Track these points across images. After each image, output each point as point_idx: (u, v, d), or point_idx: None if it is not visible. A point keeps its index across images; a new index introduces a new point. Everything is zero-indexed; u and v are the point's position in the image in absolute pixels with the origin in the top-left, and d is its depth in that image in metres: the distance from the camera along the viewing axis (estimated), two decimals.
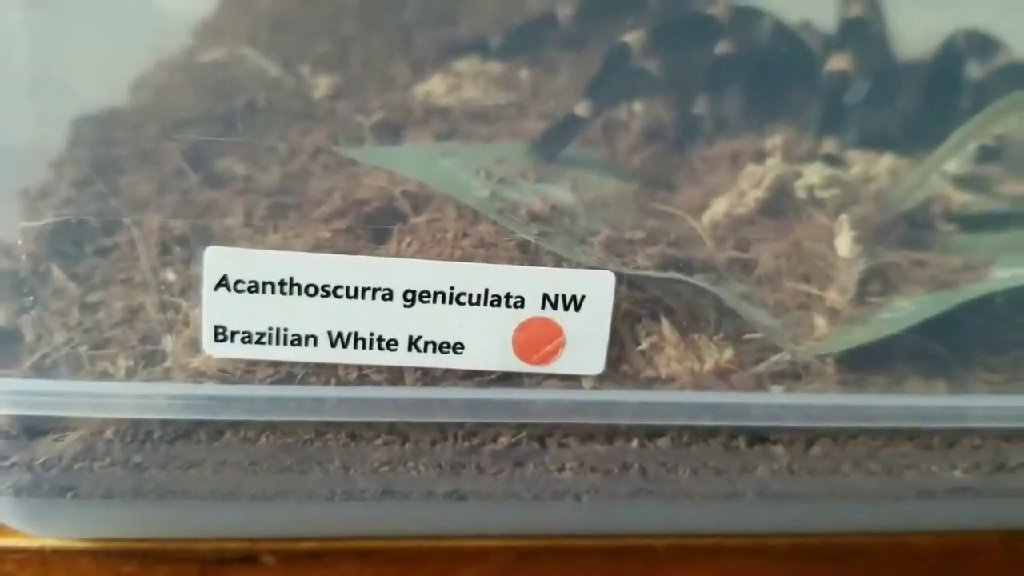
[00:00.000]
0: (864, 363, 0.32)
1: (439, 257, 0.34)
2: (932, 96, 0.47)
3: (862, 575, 0.34)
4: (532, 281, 0.29)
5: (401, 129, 0.47)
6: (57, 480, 0.30)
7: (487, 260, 0.34)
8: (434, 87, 0.50)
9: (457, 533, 0.32)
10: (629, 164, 0.45)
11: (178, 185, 0.43)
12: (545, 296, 0.29)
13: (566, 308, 0.29)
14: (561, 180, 0.41)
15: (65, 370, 0.31)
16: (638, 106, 0.48)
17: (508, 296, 0.29)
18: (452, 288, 0.29)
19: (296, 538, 0.32)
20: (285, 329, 0.29)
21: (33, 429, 0.30)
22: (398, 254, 0.36)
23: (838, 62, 0.42)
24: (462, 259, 0.34)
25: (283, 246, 0.39)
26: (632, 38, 0.44)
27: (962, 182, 0.43)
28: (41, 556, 0.32)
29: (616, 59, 0.43)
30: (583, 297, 0.29)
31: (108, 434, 0.30)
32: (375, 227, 0.38)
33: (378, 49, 0.54)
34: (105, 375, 0.31)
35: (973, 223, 0.41)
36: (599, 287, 0.29)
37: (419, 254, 0.35)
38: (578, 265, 0.31)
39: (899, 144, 0.44)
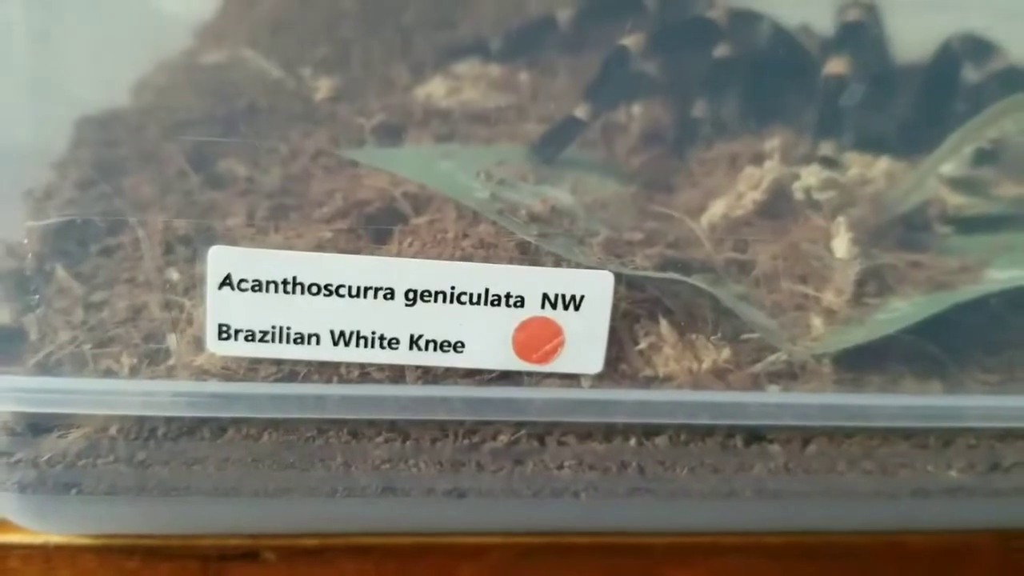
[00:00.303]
0: (860, 363, 0.32)
1: (440, 257, 0.35)
2: (929, 99, 0.47)
3: (857, 574, 0.34)
4: (532, 281, 0.30)
5: (402, 131, 0.47)
6: (61, 476, 0.30)
7: (487, 260, 0.34)
8: (434, 89, 0.50)
9: (457, 530, 0.33)
10: (628, 166, 0.45)
11: (180, 186, 0.43)
12: (545, 296, 0.30)
13: (565, 308, 0.30)
14: (561, 182, 0.41)
15: (69, 368, 0.32)
16: (637, 109, 0.48)
17: (508, 296, 0.29)
18: (453, 288, 0.29)
19: (297, 535, 0.32)
20: (288, 327, 0.29)
21: (38, 426, 0.30)
22: (399, 254, 0.36)
23: (835, 66, 0.43)
24: (462, 259, 0.34)
25: (285, 246, 0.39)
26: (631, 42, 0.44)
27: (958, 185, 0.43)
28: (45, 552, 0.32)
29: (615, 62, 0.44)
30: (582, 297, 0.30)
31: (112, 431, 0.30)
32: (376, 228, 0.38)
33: (378, 52, 0.54)
34: (109, 373, 0.32)
35: (969, 225, 0.41)
36: (598, 287, 0.30)
37: (420, 254, 0.36)
38: (577, 265, 0.32)
39: (896, 147, 0.44)
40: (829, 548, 0.34)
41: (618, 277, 0.31)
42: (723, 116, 0.46)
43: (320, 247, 0.38)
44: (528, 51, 0.53)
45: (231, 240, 0.40)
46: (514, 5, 0.58)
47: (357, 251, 0.38)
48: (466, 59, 0.53)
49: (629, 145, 0.46)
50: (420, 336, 0.29)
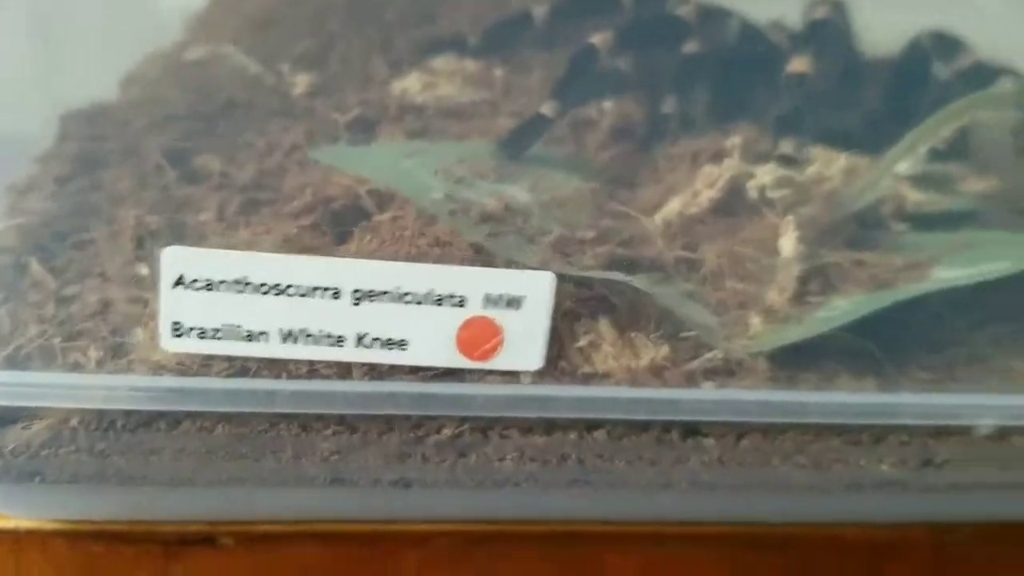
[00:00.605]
0: (796, 360, 0.33)
1: (396, 254, 0.36)
2: (897, 96, 0.48)
3: (796, 563, 0.35)
4: (474, 281, 0.31)
5: (375, 126, 0.48)
6: (25, 466, 0.31)
7: (441, 258, 0.35)
8: (410, 85, 0.51)
9: (404, 518, 0.34)
10: (597, 161, 0.46)
11: (157, 181, 0.44)
12: (487, 296, 0.31)
13: (507, 307, 0.31)
14: (523, 179, 0.42)
15: (38, 362, 0.33)
16: (608, 104, 0.49)
17: (451, 296, 0.31)
18: (398, 288, 0.31)
19: (253, 521, 0.34)
20: (238, 326, 0.30)
21: (3, 418, 0.32)
22: (359, 250, 0.38)
23: (798, 64, 0.43)
24: (418, 257, 0.36)
25: (253, 241, 0.40)
26: (599, 40, 0.45)
27: (922, 181, 0.44)
28: (15, 536, 0.34)
29: (582, 60, 0.45)
30: (523, 297, 0.31)
31: (74, 422, 0.31)
32: (338, 225, 0.39)
33: (359, 46, 0.55)
34: (77, 366, 0.33)
35: (926, 222, 0.42)
36: (539, 287, 0.31)
37: (378, 251, 0.37)
38: (522, 266, 0.33)
39: (864, 143, 0.45)
40: (769, 538, 0.35)
41: (561, 277, 0.32)
42: (691, 112, 0.47)
43: (287, 242, 0.39)
44: (504, 46, 0.54)
45: (201, 235, 0.41)
46: (495, 1, 0.58)
47: (321, 247, 0.39)
48: (444, 54, 0.53)
49: (599, 140, 0.47)
50: (366, 334, 0.31)
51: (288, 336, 0.31)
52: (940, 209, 0.43)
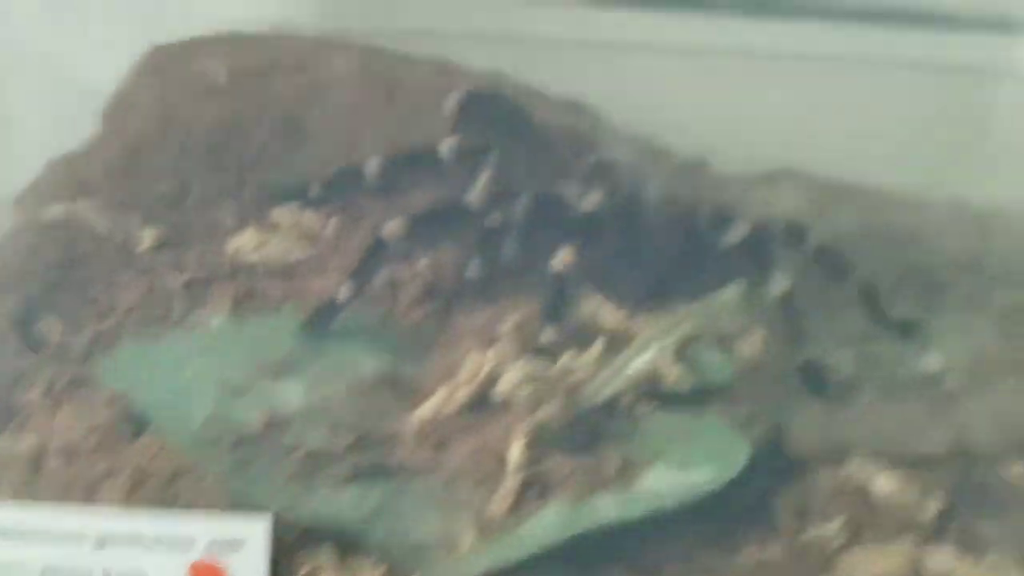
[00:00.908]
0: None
1: (166, 466, 0.41)
2: (675, 269, 0.52)
3: None
4: (199, 527, 0.36)
5: (209, 287, 0.53)
6: None
7: (201, 477, 0.40)
8: (245, 242, 0.55)
9: None
10: (404, 324, 0.50)
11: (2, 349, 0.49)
12: (210, 540, 0.36)
13: (229, 548, 0.36)
14: (316, 363, 0.47)
15: None
16: (423, 262, 0.53)
17: (181, 540, 0.36)
18: (135, 533, 0.36)
19: None
20: (6, 565, 0.36)
21: None
22: (145, 451, 0.42)
23: (564, 257, 0.47)
24: (182, 471, 0.41)
25: (68, 426, 0.45)
26: (390, 230, 0.49)
27: (696, 343, 0.48)
28: None
29: (374, 252, 0.49)
30: (243, 540, 0.36)
31: None
32: (133, 421, 0.44)
33: (212, 192, 0.59)
34: None
35: (678, 400, 0.46)
36: (256, 530, 0.36)
37: (157, 456, 0.42)
38: (257, 504, 0.38)
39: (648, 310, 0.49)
40: None
41: (278, 517, 0.37)
42: (493, 280, 0.51)
43: (92, 431, 0.44)
44: (342, 197, 0.57)
45: (28, 415, 0.46)
46: (344, 150, 0.61)
47: (119, 442, 0.44)
48: (287, 203, 0.57)
49: (411, 297, 0.51)
50: (109, 571, 0.36)
51: (45, 572, 0.36)
52: (694, 385, 0.47)
